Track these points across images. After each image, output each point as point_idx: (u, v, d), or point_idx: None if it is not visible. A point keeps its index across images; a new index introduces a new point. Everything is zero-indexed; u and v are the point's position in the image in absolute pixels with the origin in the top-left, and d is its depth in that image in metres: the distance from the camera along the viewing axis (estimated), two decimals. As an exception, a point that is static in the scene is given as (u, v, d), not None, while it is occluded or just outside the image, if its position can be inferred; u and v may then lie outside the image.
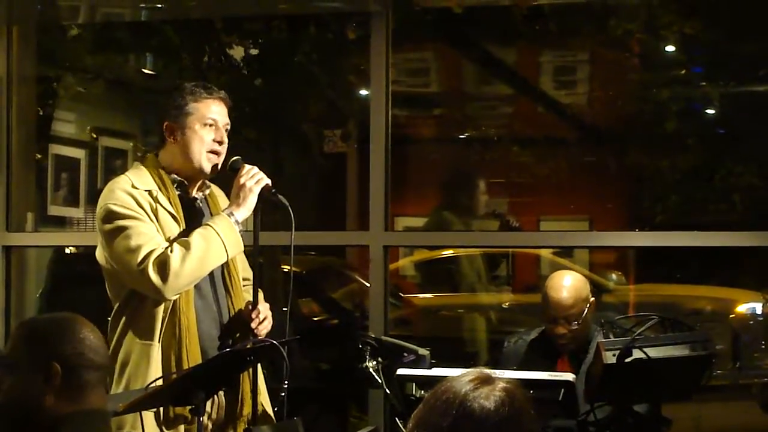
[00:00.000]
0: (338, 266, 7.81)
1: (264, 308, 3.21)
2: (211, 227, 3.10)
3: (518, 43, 7.23)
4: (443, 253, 6.90)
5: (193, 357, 3.06)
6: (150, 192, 3.14)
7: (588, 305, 3.82)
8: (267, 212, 3.24)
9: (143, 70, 7.16)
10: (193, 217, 3.21)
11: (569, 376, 3.11)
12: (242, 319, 3.21)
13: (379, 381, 3.27)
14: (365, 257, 4.48)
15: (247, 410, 3.16)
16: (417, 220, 6.81)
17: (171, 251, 3.02)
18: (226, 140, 3.23)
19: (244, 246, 3.21)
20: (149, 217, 3.10)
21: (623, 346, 3.09)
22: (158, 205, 3.13)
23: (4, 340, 4.70)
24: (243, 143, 5.11)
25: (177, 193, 3.20)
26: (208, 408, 3.06)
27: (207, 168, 3.20)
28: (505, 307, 7.11)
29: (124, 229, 3.07)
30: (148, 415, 2.96)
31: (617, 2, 6.29)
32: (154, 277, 2.99)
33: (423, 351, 3.27)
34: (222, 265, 3.19)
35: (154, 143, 3.39)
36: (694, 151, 7.33)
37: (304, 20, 5.96)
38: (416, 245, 6.91)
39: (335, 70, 6.58)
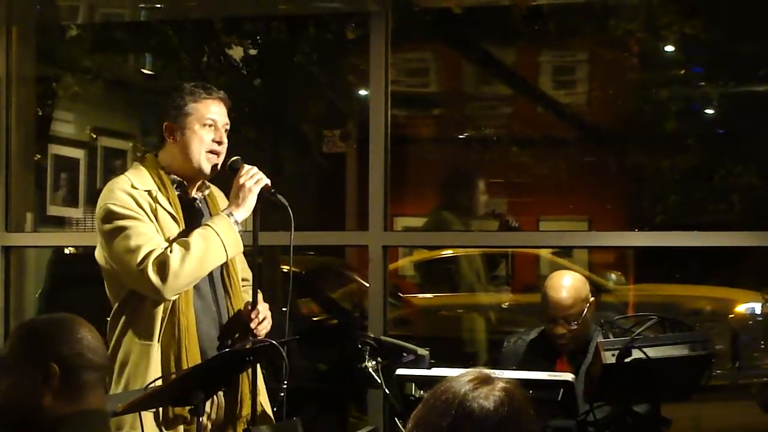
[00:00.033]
0: (337, 266, 7.81)
1: (263, 308, 3.21)
2: (211, 227, 3.10)
3: (517, 44, 7.24)
4: (442, 253, 6.90)
5: (192, 357, 3.06)
6: (149, 192, 3.14)
7: (587, 305, 3.82)
8: (266, 212, 3.24)
9: (142, 70, 7.16)
10: (193, 217, 3.21)
11: (568, 376, 3.11)
12: (241, 320, 3.21)
13: (379, 381, 3.27)
14: (364, 257, 4.48)
15: (246, 410, 3.16)
16: (416, 220, 6.81)
17: (170, 251, 3.02)
18: (225, 140, 3.23)
19: (244, 246, 3.21)
20: (149, 217, 3.10)
21: (622, 346, 3.09)
22: (158, 205, 3.13)
23: (3, 340, 4.69)
24: (242, 143, 5.11)
25: (176, 193, 3.20)
26: (207, 408, 3.06)
27: (206, 168, 3.20)
28: (504, 307, 7.11)
29: (123, 229, 3.07)
30: (148, 416, 2.96)
31: (617, 2, 6.30)
32: (154, 277, 2.99)
33: (422, 351, 3.27)
34: (221, 266, 3.19)
35: (153, 143, 3.39)
36: (694, 151, 7.33)
37: (304, 20, 5.96)
38: (415, 245, 6.91)
39: (334, 71, 6.58)
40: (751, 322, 7.05)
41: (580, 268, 6.58)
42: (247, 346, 3.05)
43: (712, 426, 6.07)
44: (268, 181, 3.20)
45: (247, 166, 3.21)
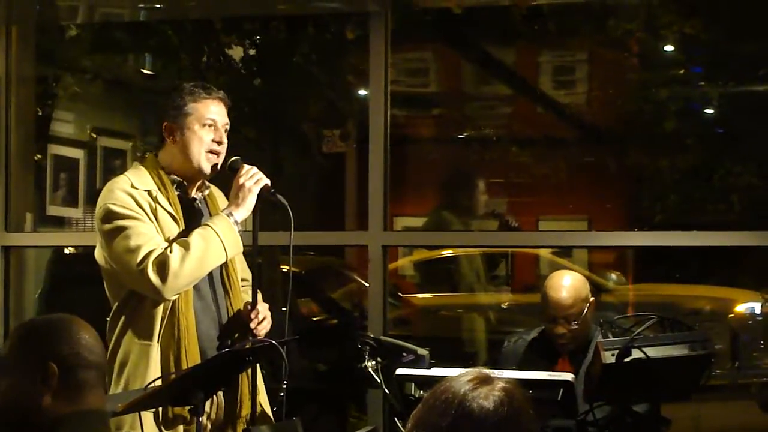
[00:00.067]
0: (337, 266, 7.81)
1: (263, 308, 3.21)
2: (211, 227, 3.10)
3: (517, 44, 7.24)
4: (442, 253, 6.90)
5: (192, 357, 3.06)
6: (149, 192, 3.14)
7: (588, 305, 3.82)
8: (266, 212, 3.24)
9: (142, 70, 7.16)
10: (193, 217, 3.21)
11: (568, 376, 3.11)
12: (241, 320, 3.21)
13: (378, 381, 3.27)
14: (364, 257, 4.48)
15: (245, 411, 3.16)
16: (416, 220, 6.81)
17: (170, 251, 3.02)
18: (225, 140, 3.23)
19: (244, 246, 3.21)
20: (149, 217, 3.10)
21: (622, 346, 3.09)
22: (158, 205, 3.13)
23: (3, 340, 4.69)
24: (242, 143, 5.11)
25: (176, 193, 3.20)
26: (207, 408, 3.06)
27: (206, 168, 3.20)
28: (504, 307, 7.11)
29: (123, 229, 3.07)
30: (147, 416, 2.96)
31: (616, 2, 6.30)
32: (154, 277, 2.99)
33: (422, 351, 3.27)
34: (221, 266, 3.19)
35: (153, 143, 3.39)
36: (693, 151, 7.33)
37: (303, 20, 5.96)
38: (415, 245, 6.91)
39: (334, 70, 6.58)
40: (750, 322, 7.05)
41: (580, 268, 6.58)
42: (247, 346, 3.05)
43: (711, 426, 6.07)
44: (268, 181, 3.20)
45: (246, 166, 3.21)
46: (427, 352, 3.27)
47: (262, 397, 3.23)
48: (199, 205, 3.28)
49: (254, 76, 6.53)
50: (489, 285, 6.59)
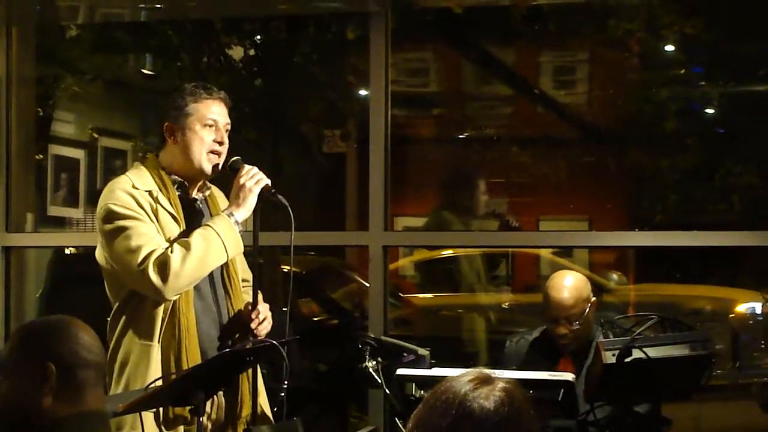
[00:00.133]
0: (338, 266, 7.81)
1: (263, 309, 3.21)
2: (211, 227, 3.10)
3: (518, 43, 7.24)
4: (443, 253, 6.91)
5: (192, 358, 3.06)
6: (150, 192, 3.14)
7: (589, 305, 3.82)
8: (267, 212, 3.24)
9: (142, 70, 7.16)
10: (193, 217, 3.21)
11: (569, 376, 3.11)
12: (242, 320, 3.21)
13: (379, 381, 3.27)
14: (365, 257, 4.48)
15: (246, 411, 3.16)
16: (416, 220, 6.81)
17: (171, 252, 3.02)
18: (226, 141, 3.23)
19: (244, 246, 3.21)
20: (149, 217, 3.10)
21: (623, 346, 3.09)
22: (158, 205, 3.13)
23: (3, 341, 4.70)
24: (243, 143, 5.11)
25: (177, 193, 3.20)
26: (207, 408, 3.06)
27: (207, 168, 3.20)
28: (504, 307, 7.12)
29: (124, 229, 3.07)
30: (148, 416, 2.96)
31: (617, 2, 6.30)
32: (155, 277, 2.99)
33: (423, 351, 3.27)
34: (221, 267, 3.19)
35: (153, 143, 3.39)
36: (694, 151, 7.33)
37: (304, 20, 5.96)
38: (416, 245, 6.91)
39: (335, 71, 6.59)
40: (751, 322, 7.05)
41: (581, 268, 6.58)
42: (248, 347, 3.05)
43: (712, 426, 6.08)
44: (269, 182, 3.19)
45: (247, 167, 3.20)
46: (428, 352, 3.27)
47: (262, 399, 3.23)
48: (200, 205, 3.28)
49: (255, 76, 6.53)
50: (489, 285, 6.59)
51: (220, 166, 3.23)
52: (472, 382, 1.74)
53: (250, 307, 3.19)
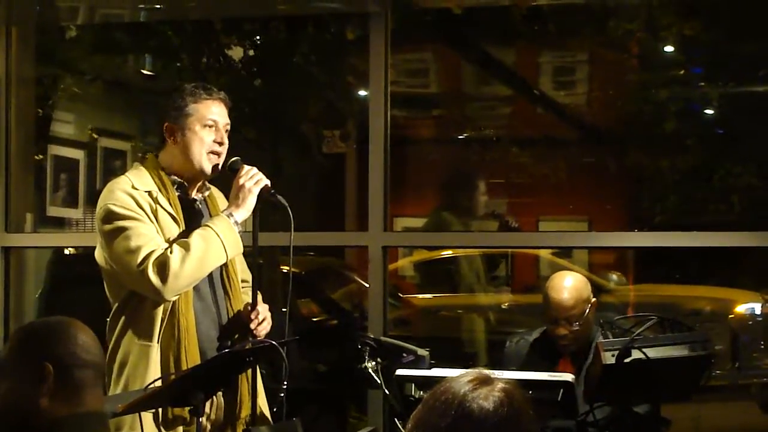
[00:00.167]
0: (337, 267, 7.81)
1: (263, 309, 3.21)
2: (211, 228, 3.10)
3: (517, 44, 7.24)
4: (442, 253, 6.90)
5: (191, 358, 3.06)
6: (150, 193, 3.14)
7: (589, 306, 3.81)
8: (266, 213, 3.24)
9: (142, 70, 7.16)
10: (193, 218, 3.21)
11: (568, 377, 3.11)
12: (241, 320, 3.21)
13: (379, 381, 3.27)
14: (364, 258, 4.48)
15: (245, 412, 3.16)
16: (416, 221, 6.81)
17: (170, 252, 3.02)
18: (226, 141, 3.23)
19: (244, 247, 3.21)
20: (149, 218, 3.10)
21: (622, 347, 3.09)
22: (158, 206, 3.13)
23: (3, 341, 4.70)
24: (242, 144, 5.11)
25: (177, 194, 3.20)
26: (206, 409, 3.06)
27: (207, 168, 3.20)
28: (504, 307, 7.11)
29: (123, 229, 3.07)
30: (147, 416, 2.96)
31: (617, 3, 6.30)
32: (154, 278, 2.99)
33: (422, 351, 3.27)
34: (221, 267, 3.19)
35: (153, 144, 3.39)
36: (693, 152, 7.33)
37: (303, 21, 5.96)
38: (415, 246, 6.91)
39: (334, 71, 6.59)
40: (750, 323, 7.05)
41: (580, 269, 6.58)
42: (247, 347, 3.05)
43: (711, 426, 6.08)
44: (268, 182, 3.20)
45: (246, 167, 3.20)
46: (427, 352, 3.27)
47: (261, 400, 3.23)
48: (200, 205, 3.28)
49: (254, 76, 6.53)
50: (489, 285, 6.59)
51: (219, 167, 3.23)
52: (471, 383, 1.74)
53: (249, 308, 3.19)
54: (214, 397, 3.09)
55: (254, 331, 3.16)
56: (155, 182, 3.17)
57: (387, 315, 4.39)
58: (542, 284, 3.97)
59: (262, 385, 3.24)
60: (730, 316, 7.05)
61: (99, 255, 3.18)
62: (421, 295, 7.50)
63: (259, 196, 3.17)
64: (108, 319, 3.16)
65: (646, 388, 3.21)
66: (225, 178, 3.26)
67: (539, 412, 1.78)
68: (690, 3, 6.32)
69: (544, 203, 7.63)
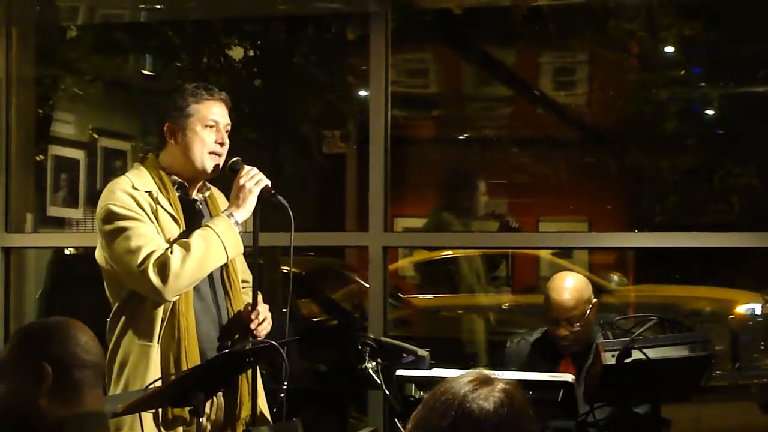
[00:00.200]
0: (338, 267, 7.81)
1: (263, 309, 3.21)
2: (211, 228, 3.10)
3: (518, 44, 7.24)
4: (442, 253, 6.90)
5: (192, 358, 3.06)
6: (150, 193, 3.14)
7: (590, 307, 3.81)
8: (266, 213, 3.24)
9: (142, 71, 7.16)
10: (193, 218, 3.21)
11: (568, 377, 3.11)
12: (241, 321, 3.21)
13: (379, 382, 3.27)
14: (365, 258, 4.48)
15: (245, 412, 3.16)
16: (416, 221, 6.81)
17: (171, 252, 3.02)
18: (227, 141, 3.23)
19: (244, 247, 3.21)
20: (149, 218, 3.10)
21: (622, 347, 3.09)
22: (158, 206, 3.12)
23: (3, 341, 4.70)
24: (243, 144, 5.11)
25: (177, 194, 3.20)
26: (206, 409, 3.06)
27: (209, 168, 3.20)
28: (504, 307, 7.12)
29: (124, 230, 3.07)
30: (147, 416, 2.96)
31: (617, 3, 6.30)
32: (154, 278, 2.99)
33: (422, 352, 3.26)
34: (221, 268, 3.19)
35: (153, 144, 3.39)
36: (693, 152, 7.34)
37: (303, 21, 5.96)
38: (415, 246, 6.91)
39: (335, 71, 6.59)
40: (751, 323, 7.05)
41: (580, 269, 6.59)
42: (247, 347, 3.05)
43: (711, 427, 6.08)
44: (269, 182, 3.19)
45: (247, 167, 3.20)
46: (428, 353, 3.27)
47: (261, 401, 3.23)
48: (200, 206, 3.28)
49: (254, 76, 6.53)
50: (489, 286, 6.59)
51: (220, 166, 3.23)
52: (471, 383, 1.74)
53: (249, 308, 3.19)
54: (214, 397, 3.09)
55: (254, 332, 3.16)
56: (155, 182, 3.17)
57: (387, 315, 4.39)
58: (542, 285, 3.97)
59: (262, 385, 3.24)
60: (731, 316, 7.06)
61: (99, 255, 3.18)
62: (421, 296, 7.50)
63: (259, 196, 3.17)
64: (108, 320, 3.16)
65: (646, 388, 3.21)
66: (225, 179, 3.26)
67: (539, 413, 1.78)
68: (690, 3, 6.33)
69: (544, 203, 7.64)
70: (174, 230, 3.12)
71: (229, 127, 3.25)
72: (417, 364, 3.25)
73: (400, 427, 3.24)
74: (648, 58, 7.03)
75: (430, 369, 3.22)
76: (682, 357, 3.14)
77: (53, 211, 6.04)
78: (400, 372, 3.20)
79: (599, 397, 3.26)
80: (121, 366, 3.09)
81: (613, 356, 3.08)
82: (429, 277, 7.44)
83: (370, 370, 3.29)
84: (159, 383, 2.92)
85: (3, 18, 4.83)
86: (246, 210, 3.16)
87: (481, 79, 8.01)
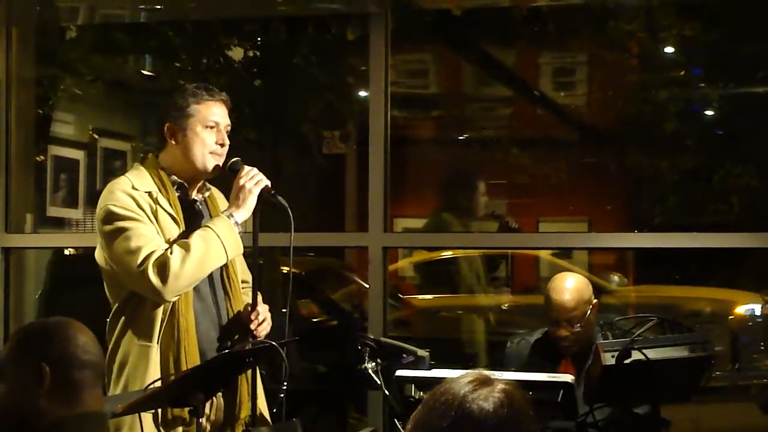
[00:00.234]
0: (337, 267, 7.82)
1: (263, 310, 3.21)
2: (211, 229, 3.10)
3: (517, 45, 7.25)
4: (442, 254, 6.91)
5: (191, 359, 3.06)
6: (150, 193, 3.14)
7: (590, 307, 3.81)
8: (266, 213, 3.24)
9: (142, 71, 7.16)
10: (193, 218, 3.21)
11: (568, 378, 3.10)
12: (241, 321, 3.21)
13: (378, 382, 3.27)
14: (364, 258, 4.48)
15: (245, 413, 3.16)
16: (416, 222, 6.81)
17: (171, 253, 3.02)
18: (227, 142, 3.23)
19: (244, 247, 3.21)
20: (149, 218, 3.10)
21: (622, 348, 3.09)
22: (158, 206, 3.12)
23: (3, 342, 4.70)
24: (242, 144, 5.11)
25: (177, 194, 3.20)
26: (206, 410, 3.05)
27: (209, 167, 3.20)
28: (504, 308, 7.12)
29: (124, 230, 3.07)
30: (147, 417, 2.96)
31: (616, 4, 6.30)
32: (154, 278, 2.99)
33: (422, 352, 3.26)
34: (221, 268, 3.19)
35: (153, 144, 3.39)
36: (693, 153, 7.35)
37: (303, 22, 5.96)
38: (415, 246, 6.91)
39: (334, 72, 6.59)
40: (750, 324, 7.05)
41: (580, 270, 6.59)
42: (247, 348, 3.04)
43: (711, 427, 6.08)
44: (268, 183, 3.19)
45: (247, 168, 3.20)
46: (427, 353, 3.27)
47: (261, 401, 3.22)
48: (200, 206, 3.28)
49: (254, 77, 6.54)
50: (489, 286, 6.59)
51: (220, 166, 3.23)
52: (471, 384, 1.74)
53: (249, 308, 3.19)
54: (214, 397, 3.09)
55: (254, 332, 3.16)
56: (155, 183, 3.17)
57: (387, 316, 4.39)
58: (542, 285, 3.98)
59: (261, 385, 3.24)
60: (730, 317, 7.06)
61: (99, 255, 3.18)
62: (421, 296, 7.50)
63: (259, 196, 3.17)
64: (108, 320, 3.16)
65: (645, 389, 3.21)
66: (225, 179, 3.26)
67: (539, 413, 1.78)
68: (690, 4, 6.33)
69: (543, 204, 7.64)
70: (174, 231, 3.12)
71: (229, 128, 3.25)
72: (417, 364, 3.25)
73: (399, 427, 3.24)
74: (648, 59, 7.03)
75: (429, 369, 3.22)
76: (681, 357, 3.14)
77: (53, 211, 6.04)
78: (399, 372, 3.20)
79: (599, 397, 3.26)
80: (121, 366, 3.09)
81: (612, 357, 3.08)
82: (429, 278, 7.44)
83: (370, 371, 3.29)
84: (158, 383, 2.92)
85: (3, 18, 4.83)
86: (246, 210, 3.16)
87: (481, 80, 8.01)
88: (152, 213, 3.11)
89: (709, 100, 7.10)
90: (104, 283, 3.19)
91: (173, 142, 3.20)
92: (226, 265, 3.19)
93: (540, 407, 1.86)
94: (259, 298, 3.22)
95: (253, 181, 3.16)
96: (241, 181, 3.16)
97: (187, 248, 3.03)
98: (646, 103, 7.29)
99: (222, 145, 3.21)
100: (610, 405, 3.36)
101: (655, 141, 7.23)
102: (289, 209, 3.17)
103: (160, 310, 3.07)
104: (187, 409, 2.86)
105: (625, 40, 6.75)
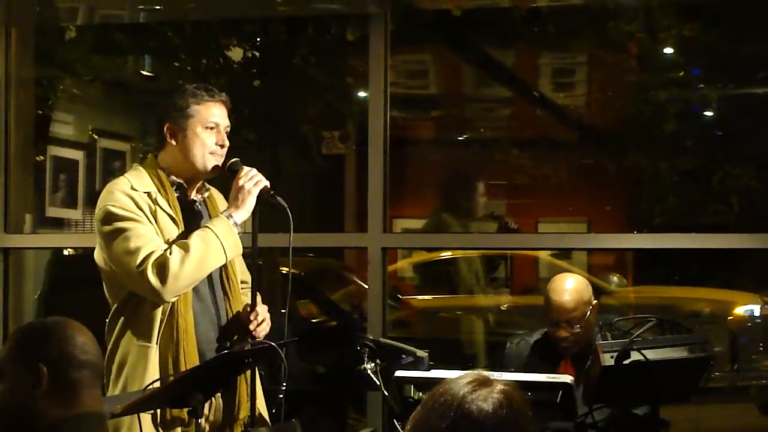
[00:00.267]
0: (337, 268, 7.81)
1: (262, 310, 3.21)
2: (210, 229, 3.10)
3: (517, 45, 7.25)
4: (442, 254, 6.91)
5: (190, 359, 3.06)
6: (149, 194, 3.13)
7: (590, 308, 3.81)
8: (265, 214, 3.24)
9: (142, 71, 7.17)
10: (192, 219, 3.21)
11: (567, 378, 3.10)
12: (240, 322, 3.21)
13: (378, 383, 3.27)
14: (364, 259, 4.48)
15: (244, 413, 3.16)
16: (415, 222, 6.82)
17: (170, 253, 3.02)
18: (227, 143, 3.23)
19: (243, 248, 3.21)
20: (148, 219, 3.09)
21: (621, 348, 3.09)
22: (157, 207, 3.12)
23: (2, 342, 4.69)
24: (242, 145, 5.12)
25: (176, 195, 3.20)
26: (205, 410, 3.05)
27: (209, 167, 3.19)
28: (503, 308, 7.12)
29: (123, 230, 3.06)
30: (146, 417, 2.96)
31: (616, 4, 6.30)
32: (153, 279, 2.99)
33: (421, 353, 3.26)
34: (220, 268, 3.19)
35: (152, 145, 3.39)
36: (693, 153, 7.35)
37: (303, 22, 5.96)
38: (415, 247, 6.91)
39: (334, 72, 6.59)
40: (749, 324, 7.05)
41: (580, 270, 6.59)
42: (246, 348, 3.04)
43: (710, 428, 6.08)
44: (268, 183, 3.19)
45: (246, 168, 3.20)
46: (427, 354, 3.27)
47: (260, 401, 3.22)
48: (199, 207, 3.28)
49: (254, 77, 6.54)
50: (488, 287, 6.59)
51: (219, 166, 3.22)
52: (470, 384, 1.74)
53: (248, 309, 3.19)
54: (213, 398, 3.09)
55: (253, 333, 3.15)
56: (154, 183, 3.16)
57: (386, 316, 4.39)
58: (541, 286, 3.98)
59: (260, 386, 3.23)
60: (729, 317, 7.06)
61: (98, 256, 3.17)
62: (420, 297, 7.50)
63: (258, 197, 3.16)
64: (107, 320, 3.16)
65: (645, 389, 3.21)
66: (225, 179, 3.26)
67: (538, 414, 1.78)
68: (689, 4, 6.33)
69: (543, 204, 7.64)
70: (173, 231, 3.12)
71: (228, 129, 3.25)
72: (416, 365, 3.25)
73: (399, 428, 3.23)
74: (647, 59, 7.04)
75: (429, 370, 3.22)
76: (681, 358, 3.14)
77: (52, 211, 6.04)
78: (399, 373, 3.20)
79: (598, 398, 3.26)
80: (120, 367, 3.09)
81: (612, 357, 3.07)
82: (428, 278, 7.44)
83: (369, 371, 3.29)
84: (157, 384, 2.91)
85: (3, 18, 4.83)
86: (245, 211, 3.15)
87: (481, 80, 8.02)
88: (151, 213, 3.10)
89: (709, 101, 7.10)
90: (103, 284, 3.19)
91: (173, 143, 3.20)
92: (225, 266, 3.19)
93: (539, 408, 1.86)
94: (258, 298, 3.22)
95: (253, 181, 3.16)
96: (241, 182, 3.16)
97: (186, 249, 3.03)
98: (645, 104, 7.29)
99: (222, 146, 3.20)
100: (610, 406, 3.36)
101: (655, 142, 7.23)
102: (288, 210, 3.16)
103: (159, 311, 3.07)
104: (186, 410, 2.86)
105: (625, 41, 6.75)
